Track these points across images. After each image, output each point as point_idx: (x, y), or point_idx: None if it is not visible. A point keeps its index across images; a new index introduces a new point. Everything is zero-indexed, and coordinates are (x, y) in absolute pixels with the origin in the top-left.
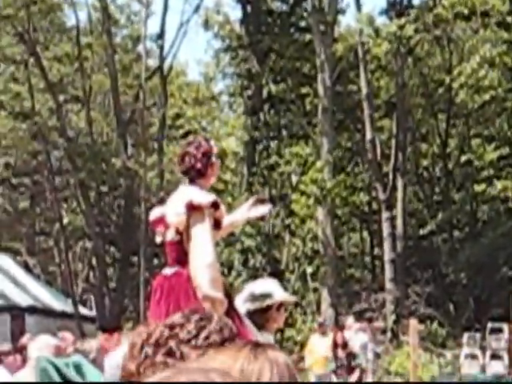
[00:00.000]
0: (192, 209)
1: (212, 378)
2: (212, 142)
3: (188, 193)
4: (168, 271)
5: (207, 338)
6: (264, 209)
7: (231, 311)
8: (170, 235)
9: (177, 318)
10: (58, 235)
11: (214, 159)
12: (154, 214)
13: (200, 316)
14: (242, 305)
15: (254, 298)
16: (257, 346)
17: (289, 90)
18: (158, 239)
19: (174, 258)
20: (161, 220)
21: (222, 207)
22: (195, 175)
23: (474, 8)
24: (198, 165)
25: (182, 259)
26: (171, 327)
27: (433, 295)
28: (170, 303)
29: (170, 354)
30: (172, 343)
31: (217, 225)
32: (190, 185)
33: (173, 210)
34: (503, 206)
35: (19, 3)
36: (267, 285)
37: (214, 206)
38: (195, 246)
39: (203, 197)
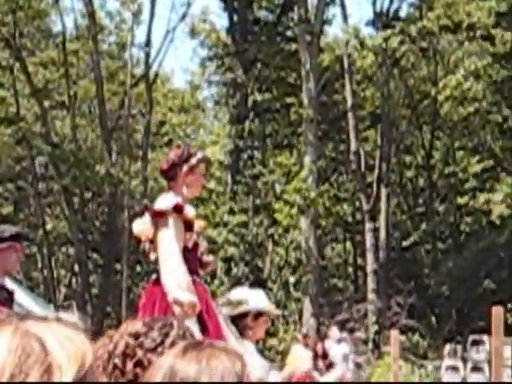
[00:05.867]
0: (156, 216)
1: None
2: (198, 152)
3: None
4: (153, 277)
5: (173, 344)
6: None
7: (205, 314)
8: (147, 245)
9: (139, 326)
10: (41, 241)
11: (187, 167)
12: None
13: (162, 323)
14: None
15: (228, 303)
16: (196, 345)
17: (274, 99)
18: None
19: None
20: None
21: (188, 208)
22: (167, 178)
23: (460, 21)
24: (165, 166)
25: None
26: (136, 336)
27: (415, 306)
28: (147, 309)
29: (138, 363)
30: (140, 352)
31: (188, 226)
32: (168, 191)
33: (141, 220)
34: (486, 219)
35: (5, 8)
36: (247, 293)
37: (177, 209)
38: (160, 250)
39: (165, 202)
